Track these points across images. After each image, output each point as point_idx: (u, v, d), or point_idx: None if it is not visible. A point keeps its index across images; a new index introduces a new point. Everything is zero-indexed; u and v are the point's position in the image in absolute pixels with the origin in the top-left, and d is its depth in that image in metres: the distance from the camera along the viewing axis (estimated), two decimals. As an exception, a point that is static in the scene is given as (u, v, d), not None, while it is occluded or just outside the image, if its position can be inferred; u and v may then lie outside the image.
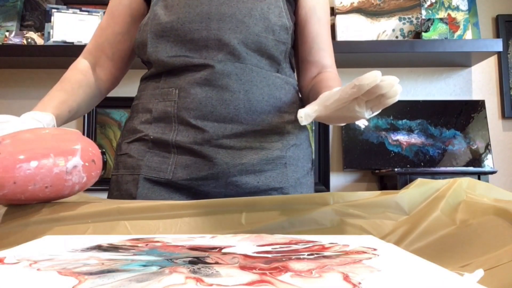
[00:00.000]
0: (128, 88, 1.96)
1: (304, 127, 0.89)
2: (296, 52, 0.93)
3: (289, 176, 0.82)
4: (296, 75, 0.94)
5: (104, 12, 1.89)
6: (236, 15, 0.79)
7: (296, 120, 0.84)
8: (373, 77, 0.57)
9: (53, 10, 1.87)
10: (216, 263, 0.34)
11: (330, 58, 0.92)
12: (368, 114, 0.64)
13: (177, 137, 0.78)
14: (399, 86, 0.60)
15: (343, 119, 0.68)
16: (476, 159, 1.91)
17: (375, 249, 0.39)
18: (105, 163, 0.69)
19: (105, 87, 0.94)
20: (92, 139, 1.94)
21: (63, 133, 0.61)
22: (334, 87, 0.70)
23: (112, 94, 1.57)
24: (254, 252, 0.38)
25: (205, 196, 0.78)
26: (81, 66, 0.90)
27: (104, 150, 0.71)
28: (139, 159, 0.81)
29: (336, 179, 2.00)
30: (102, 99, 0.95)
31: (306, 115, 0.65)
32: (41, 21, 1.97)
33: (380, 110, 0.64)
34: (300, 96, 0.91)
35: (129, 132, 0.86)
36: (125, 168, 0.83)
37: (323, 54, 0.91)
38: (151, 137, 0.81)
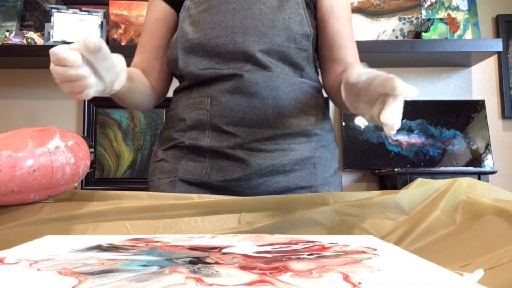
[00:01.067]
0: (128, 88, 1.97)
1: (331, 129, 0.93)
2: (319, 53, 0.95)
3: (318, 175, 0.86)
4: (321, 75, 0.97)
5: (104, 12, 1.90)
6: (259, 28, 0.83)
7: (322, 122, 0.90)
8: (410, 93, 0.55)
9: (53, 10, 1.87)
10: (216, 263, 0.34)
11: (354, 54, 0.93)
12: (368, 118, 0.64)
13: (211, 142, 0.83)
14: (394, 124, 0.56)
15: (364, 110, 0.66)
16: (476, 159, 1.91)
17: (375, 249, 0.39)
18: (93, 161, 0.69)
19: (156, 92, 0.96)
20: (92, 139, 1.94)
21: (40, 128, 0.62)
22: None
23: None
24: (254, 252, 0.38)
25: (239, 195, 0.78)
26: (134, 69, 0.92)
27: (93, 150, 0.70)
28: (176, 163, 0.86)
29: (336, 179, 2.00)
30: (154, 103, 0.98)
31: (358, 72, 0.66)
32: (41, 21, 1.97)
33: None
34: (325, 97, 0.94)
35: (165, 141, 0.91)
36: (162, 173, 0.88)
37: (345, 51, 0.92)
38: (186, 143, 0.85)
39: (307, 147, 0.86)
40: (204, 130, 0.85)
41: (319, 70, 0.96)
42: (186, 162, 0.86)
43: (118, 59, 0.72)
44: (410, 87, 0.56)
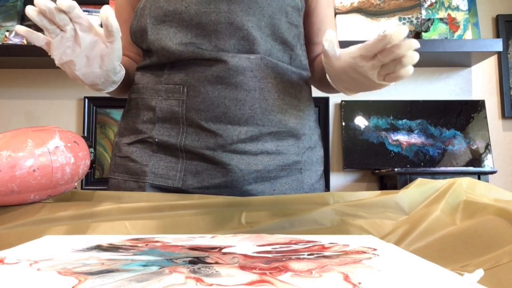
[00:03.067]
0: (128, 88, 1.97)
1: (317, 126, 0.86)
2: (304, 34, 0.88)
3: (304, 182, 0.78)
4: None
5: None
6: None
7: (310, 119, 0.82)
8: (401, 32, 0.55)
9: (53, 10, 1.87)
10: (216, 263, 0.34)
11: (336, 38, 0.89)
12: (379, 80, 0.62)
13: (186, 140, 0.72)
14: (416, 53, 0.58)
15: (356, 82, 0.67)
16: (476, 159, 1.91)
17: (375, 249, 0.39)
18: (93, 161, 0.69)
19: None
20: (92, 139, 1.94)
21: (40, 127, 0.62)
22: None
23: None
24: (254, 252, 0.38)
25: None
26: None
27: (93, 151, 0.70)
28: (144, 165, 0.75)
29: (336, 179, 2.00)
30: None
31: (331, 41, 0.64)
32: (41, 21, 1.97)
33: (392, 83, 0.63)
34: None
35: (129, 131, 0.79)
36: (128, 174, 0.77)
37: None
38: (156, 139, 0.74)
39: (294, 150, 0.77)
40: (178, 125, 0.73)
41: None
42: (155, 163, 0.74)
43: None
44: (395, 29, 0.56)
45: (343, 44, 0.69)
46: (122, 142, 0.79)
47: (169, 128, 0.74)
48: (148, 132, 0.75)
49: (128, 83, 0.81)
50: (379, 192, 0.62)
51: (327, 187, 1.95)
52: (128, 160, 0.77)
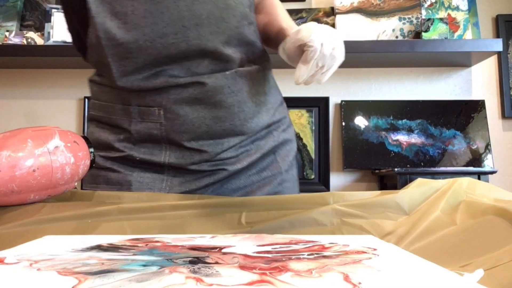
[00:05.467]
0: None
1: (282, 101, 0.87)
2: None
3: (280, 162, 0.81)
4: None
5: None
6: (214, 13, 0.67)
7: (278, 104, 0.84)
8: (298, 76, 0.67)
9: (53, 10, 1.87)
10: (216, 263, 0.34)
11: None
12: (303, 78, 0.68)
13: (170, 159, 0.71)
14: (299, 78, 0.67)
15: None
16: (476, 159, 1.91)
17: (375, 249, 0.39)
18: (93, 161, 0.69)
19: None
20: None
21: (40, 127, 0.62)
22: (278, 24, 0.78)
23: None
24: (254, 252, 0.38)
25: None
26: None
27: (93, 151, 0.69)
28: (128, 174, 0.72)
29: (336, 179, 2.00)
30: None
31: (302, 80, 0.69)
32: (41, 21, 1.97)
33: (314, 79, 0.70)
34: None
35: (104, 147, 0.73)
36: (109, 184, 0.72)
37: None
38: (137, 158, 0.71)
39: (270, 138, 0.80)
40: (159, 144, 0.71)
41: None
42: (140, 173, 0.71)
43: None
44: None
45: (344, 44, 0.71)
46: (99, 156, 0.74)
47: (151, 147, 0.71)
48: (127, 151, 0.72)
49: None
50: (379, 192, 0.62)
51: (327, 187, 1.95)
52: (109, 171, 0.73)
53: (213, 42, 0.68)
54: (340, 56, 0.69)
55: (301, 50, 0.68)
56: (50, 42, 1.83)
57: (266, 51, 0.83)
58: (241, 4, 0.71)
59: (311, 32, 0.66)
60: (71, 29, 0.74)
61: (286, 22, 0.80)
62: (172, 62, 0.68)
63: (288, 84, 1.01)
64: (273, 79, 0.86)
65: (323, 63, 0.67)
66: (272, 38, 0.80)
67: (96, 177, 0.74)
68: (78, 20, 0.69)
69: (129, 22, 0.64)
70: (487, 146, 1.93)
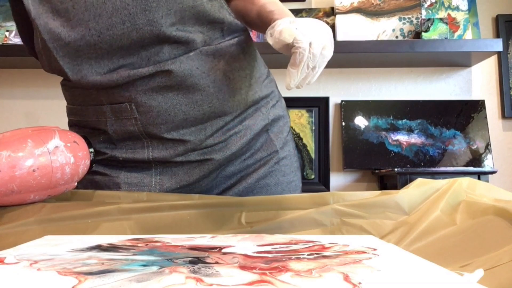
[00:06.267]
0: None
1: (271, 79, 0.83)
2: None
3: (275, 139, 0.78)
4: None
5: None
6: None
7: (262, 78, 0.79)
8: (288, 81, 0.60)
9: (53, 10, 1.87)
10: (216, 263, 0.34)
11: None
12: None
13: (154, 153, 0.68)
14: (289, 82, 0.60)
15: None
16: (476, 159, 1.91)
17: (375, 249, 0.39)
18: (93, 161, 0.69)
19: None
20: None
21: (40, 127, 0.62)
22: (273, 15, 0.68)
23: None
24: (254, 252, 0.38)
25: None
26: None
27: (92, 150, 0.69)
28: (114, 176, 0.69)
29: (336, 179, 2.00)
30: None
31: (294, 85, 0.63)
32: (41, 21, 1.97)
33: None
34: (247, 28, 0.79)
35: None
36: (98, 188, 0.70)
37: None
38: (120, 158, 0.69)
39: (259, 116, 0.76)
40: (140, 140, 0.68)
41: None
42: (127, 173, 0.69)
43: None
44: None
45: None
46: None
47: (132, 145, 0.69)
48: (109, 152, 0.70)
49: None
50: (379, 192, 0.62)
51: (327, 187, 1.95)
52: (94, 174, 0.71)
53: (166, 26, 0.63)
54: (330, 54, 0.63)
55: (288, 48, 0.61)
56: (50, 42, 1.83)
57: (245, 27, 0.77)
58: None
59: (296, 31, 0.60)
60: (25, 41, 0.72)
61: (273, 4, 0.72)
62: (128, 54, 0.64)
63: (288, 84, 1.00)
64: (255, 51, 0.79)
65: (313, 64, 0.61)
66: (260, 24, 0.73)
67: (85, 183, 0.71)
68: (27, 29, 0.67)
69: (72, 18, 0.61)
70: (487, 146, 1.93)
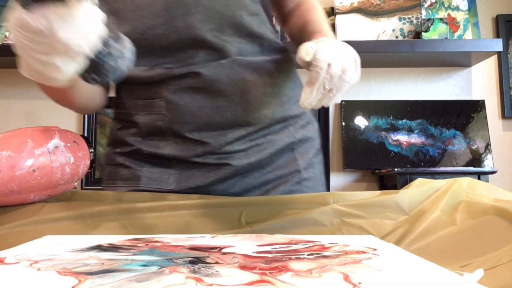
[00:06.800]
0: (128, 88, 1.97)
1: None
2: (274, 10, 0.83)
3: (299, 159, 0.77)
4: (273, 10, 0.84)
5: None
6: (202, 2, 0.67)
7: (297, 98, 0.76)
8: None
9: (53, 10, 1.87)
10: (216, 263, 0.34)
11: None
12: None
13: (175, 151, 0.71)
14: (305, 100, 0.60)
15: None
16: (476, 159, 1.91)
17: (375, 249, 0.39)
18: (93, 161, 0.69)
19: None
20: (92, 139, 1.94)
21: (40, 127, 0.62)
22: (317, 30, 0.71)
23: (112, 94, 1.53)
24: (254, 252, 0.38)
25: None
26: None
27: (92, 151, 0.69)
28: (137, 170, 0.73)
29: (336, 179, 2.00)
30: (105, 100, 0.81)
31: (308, 104, 0.62)
32: (41, 21, 1.97)
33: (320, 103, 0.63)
34: (293, 62, 0.80)
35: (119, 143, 0.77)
36: (122, 180, 0.75)
37: None
38: (145, 152, 0.73)
39: (285, 133, 0.76)
40: (165, 137, 0.72)
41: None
42: (149, 168, 0.73)
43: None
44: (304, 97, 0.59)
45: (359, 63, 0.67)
46: (113, 152, 0.78)
47: (157, 141, 0.72)
48: (136, 145, 0.73)
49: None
50: (379, 192, 0.62)
51: (327, 187, 1.95)
52: (121, 167, 0.75)
53: (203, 31, 0.67)
54: (352, 79, 0.62)
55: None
56: (50, 42, 1.83)
57: (285, 48, 0.79)
58: None
59: (316, 50, 0.60)
60: None
61: (317, 26, 0.73)
62: (166, 54, 0.68)
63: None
64: (293, 72, 0.80)
65: (330, 86, 0.60)
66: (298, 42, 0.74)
67: (113, 174, 0.76)
68: None
69: (122, 17, 0.66)
70: (487, 146, 1.93)
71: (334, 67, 0.59)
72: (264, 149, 0.73)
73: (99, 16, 0.46)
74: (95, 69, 0.46)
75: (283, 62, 0.78)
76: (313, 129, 0.82)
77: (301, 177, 0.76)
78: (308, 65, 0.61)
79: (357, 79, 0.63)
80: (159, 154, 0.72)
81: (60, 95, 0.68)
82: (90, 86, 0.68)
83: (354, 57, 0.63)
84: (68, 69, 0.45)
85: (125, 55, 0.48)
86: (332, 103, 0.63)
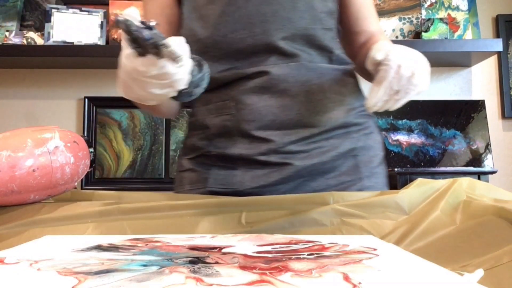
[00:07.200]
0: (128, 88, 1.96)
1: (371, 115, 0.85)
2: (341, 25, 0.87)
3: (362, 167, 0.78)
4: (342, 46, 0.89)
5: (104, 12, 1.90)
6: (279, 12, 0.74)
7: (361, 109, 0.81)
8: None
9: (53, 10, 1.86)
10: (216, 263, 0.34)
11: (376, 24, 0.88)
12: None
13: (241, 150, 0.75)
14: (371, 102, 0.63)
15: None
16: (476, 159, 1.91)
17: (375, 249, 0.39)
18: (93, 161, 0.69)
19: None
20: (92, 139, 1.94)
21: (40, 127, 0.62)
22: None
23: (112, 94, 1.57)
24: (254, 252, 0.38)
25: None
26: None
27: (92, 150, 0.70)
28: (204, 172, 0.78)
29: (336, 179, 2.00)
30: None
31: (373, 104, 0.65)
32: (41, 21, 1.97)
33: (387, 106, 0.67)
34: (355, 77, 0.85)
35: (189, 150, 0.83)
36: (191, 183, 0.80)
37: (369, 21, 0.87)
38: (213, 153, 0.77)
39: (347, 139, 0.77)
40: (232, 137, 0.76)
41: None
42: (215, 171, 0.77)
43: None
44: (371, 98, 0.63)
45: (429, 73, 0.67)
46: (183, 159, 0.84)
47: (224, 141, 0.77)
48: (205, 148, 0.79)
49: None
50: (379, 192, 0.62)
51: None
52: (190, 172, 0.81)
53: (277, 37, 0.73)
54: (420, 84, 0.63)
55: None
56: (50, 42, 1.83)
57: (352, 71, 0.82)
58: (312, 9, 0.75)
59: (389, 51, 0.61)
60: None
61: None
62: (241, 58, 0.75)
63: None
64: (357, 86, 0.83)
65: (399, 86, 0.61)
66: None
67: (182, 179, 0.82)
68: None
69: (209, 22, 0.75)
70: (487, 146, 1.93)
71: (404, 69, 0.60)
72: (327, 152, 0.75)
73: (190, 62, 0.56)
74: (178, 93, 0.57)
75: (350, 75, 0.81)
76: (377, 140, 0.84)
77: (363, 185, 0.77)
78: (377, 67, 0.63)
79: (425, 87, 0.65)
80: (226, 154, 0.76)
81: (149, 109, 0.80)
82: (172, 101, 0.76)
83: (425, 66, 0.65)
84: (162, 97, 0.56)
85: (203, 82, 0.59)
86: (396, 107, 0.65)
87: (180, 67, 0.53)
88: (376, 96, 0.62)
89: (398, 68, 0.60)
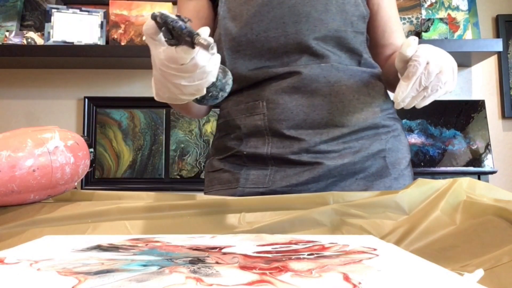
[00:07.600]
0: (128, 88, 1.96)
1: (398, 117, 0.88)
2: (369, 37, 0.89)
3: (391, 168, 0.79)
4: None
5: (104, 12, 1.90)
6: (312, 14, 0.76)
7: (388, 111, 0.83)
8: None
9: (53, 10, 1.86)
10: (216, 263, 0.34)
11: (402, 38, 0.89)
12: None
13: (272, 149, 0.76)
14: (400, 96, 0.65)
15: None
16: (476, 159, 1.91)
17: (375, 249, 0.39)
18: (93, 161, 0.69)
19: None
20: (92, 139, 1.94)
21: (40, 127, 0.62)
22: None
23: (112, 94, 1.58)
24: (254, 252, 0.38)
25: None
26: None
27: (92, 151, 0.70)
28: (236, 173, 0.79)
29: (336, 179, 2.00)
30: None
31: (401, 99, 0.66)
32: (41, 21, 1.97)
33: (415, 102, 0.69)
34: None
35: (220, 150, 0.84)
36: (221, 183, 0.81)
37: (396, 35, 0.88)
38: (245, 152, 0.78)
39: (377, 140, 0.79)
40: (263, 137, 0.77)
41: None
42: (246, 171, 0.79)
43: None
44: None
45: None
46: (214, 159, 0.85)
47: (255, 141, 0.78)
48: (236, 148, 0.80)
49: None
50: (379, 192, 0.62)
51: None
52: (221, 172, 0.82)
53: (308, 37, 0.75)
54: (448, 81, 0.64)
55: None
56: (50, 42, 1.83)
57: (380, 75, 0.84)
58: (344, 12, 0.77)
59: (417, 47, 0.62)
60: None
61: None
62: (273, 57, 0.77)
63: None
64: (384, 90, 0.84)
65: (427, 83, 0.62)
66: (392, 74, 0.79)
67: (212, 180, 0.83)
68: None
69: (243, 21, 0.77)
70: (487, 146, 1.93)
71: (433, 65, 0.61)
72: (357, 152, 0.77)
73: (218, 58, 0.56)
74: (203, 96, 0.59)
75: (378, 79, 0.83)
76: (404, 142, 0.85)
77: (391, 187, 0.78)
78: (405, 64, 0.64)
79: (453, 86, 0.66)
80: (257, 153, 0.77)
81: (181, 108, 0.83)
82: None
83: (452, 64, 0.65)
84: (192, 91, 0.56)
85: (226, 88, 0.60)
86: (423, 105, 0.66)
87: (210, 59, 0.54)
88: (405, 91, 0.63)
89: (427, 64, 0.61)
